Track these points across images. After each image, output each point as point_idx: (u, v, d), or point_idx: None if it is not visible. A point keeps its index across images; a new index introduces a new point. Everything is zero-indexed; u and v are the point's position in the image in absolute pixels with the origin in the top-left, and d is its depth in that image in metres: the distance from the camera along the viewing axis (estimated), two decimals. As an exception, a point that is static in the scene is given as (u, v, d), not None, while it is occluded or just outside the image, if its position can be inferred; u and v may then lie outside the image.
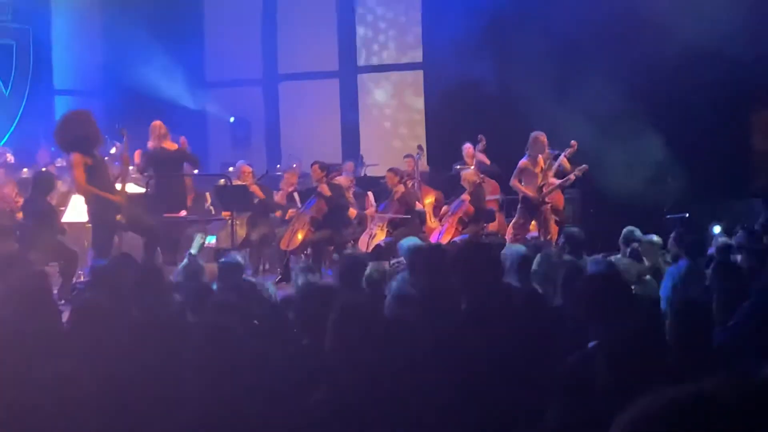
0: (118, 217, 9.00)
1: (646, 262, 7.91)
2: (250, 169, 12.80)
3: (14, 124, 17.15)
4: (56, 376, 3.33)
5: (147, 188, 11.31)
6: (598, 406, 3.13)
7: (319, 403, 3.63)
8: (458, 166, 13.17)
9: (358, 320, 3.86)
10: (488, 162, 13.08)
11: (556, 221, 11.30)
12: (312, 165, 12.06)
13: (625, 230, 8.50)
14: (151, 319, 3.96)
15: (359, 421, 3.54)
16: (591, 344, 4.06)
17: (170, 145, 10.93)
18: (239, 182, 12.14)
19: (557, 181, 11.16)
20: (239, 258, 6.96)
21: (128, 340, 3.82)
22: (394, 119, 17.76)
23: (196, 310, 4.94)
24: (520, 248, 6.57)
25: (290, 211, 12.03)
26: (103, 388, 3.41)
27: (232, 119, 18.33)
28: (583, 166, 11.17)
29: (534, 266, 5.90)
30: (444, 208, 12.42)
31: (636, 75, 13.24)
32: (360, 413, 3.55)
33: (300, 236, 11.48)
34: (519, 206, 11.19)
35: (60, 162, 13.80)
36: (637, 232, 8.41)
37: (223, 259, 7.22)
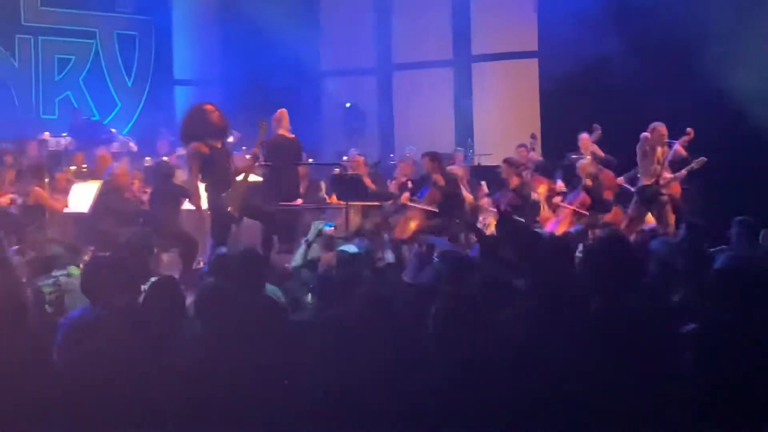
0: (230, 208, 9.12)
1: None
2: (363, 159, 12.91)
3: (136, 114, 17.63)
4: (186, 363, 3.43)
5: (264, 176, 11.47)
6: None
7: (418, 388, 3.63)
8: (573, 156, 13.03)
9: (462, 311, 3.83)
10: (602, 153, 12.91)
11: (674, 211, 11.09)
12: (422, 157, 12.09)
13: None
14: (273, 306, 4.03)
15: (459, 410, 3.53)
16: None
17: (287, 134, 11.02)
18: (353, 171, 12.23)
19: (672, 175, 10.95)
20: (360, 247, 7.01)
21: (251, 328, 3.90)
22: (507, 108, 17.63)
23: (321, 298, 5.03)
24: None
25: (404, 195, 12.06)
26: (229, 375, 3.49)
27: (348, 104, 18.47)
28: (701, 158, 10.93)
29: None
30: (556, 198, 12.31)
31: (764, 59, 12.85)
32: (457, 403, 3.54)
33: (413, 225, 11.51)
34: (634, 198, 11.02)
35: (180, 151, 14.12)
36: None
37: (340, 248, 7.30)
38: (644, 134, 10.88)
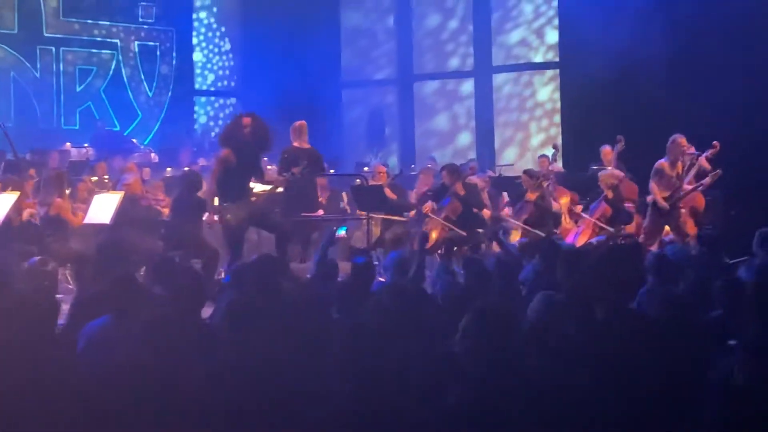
0: (228, 217, 9.18)
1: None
2: (385, 169, 12.91)
3: (157, 125, 17.69)
4: (211, 373, 3.42)
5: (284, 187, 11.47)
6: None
7: (454, 406, 3.60)
8: (595, 167, 12.96)
9: (493, 323, 3.80)
10: (623, 170, 12.74)
11: (696, 223, 11.00)
12: (441, 170, 12.07)
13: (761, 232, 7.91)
14: (295, 315, 4.02)
15: (495, 426, 3.50)
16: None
17: (304, 145, 11.03)
18: (374, 182, 12.22)
19: (690, 187, 10.85)
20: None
21: (275, 337, 3.89)
22: (529, 119, 17.63)
23: (341, 307, 5.03)
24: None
25: (427, 205, 12.02)
26: (254, 383, 3.48)
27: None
28: (717, 171, 10.80)
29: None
30: (577, 207, 12.26)
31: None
32: (495, 417, 3.51)
33: (434, 236, 11.48)
34: (649, 211, 10.91)
35: (202, 161, 14.16)
36: None
37: (355, 259, 7.30)
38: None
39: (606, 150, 12.98)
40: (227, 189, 9.26)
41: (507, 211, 12.52)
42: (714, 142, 11.08)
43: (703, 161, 11.06)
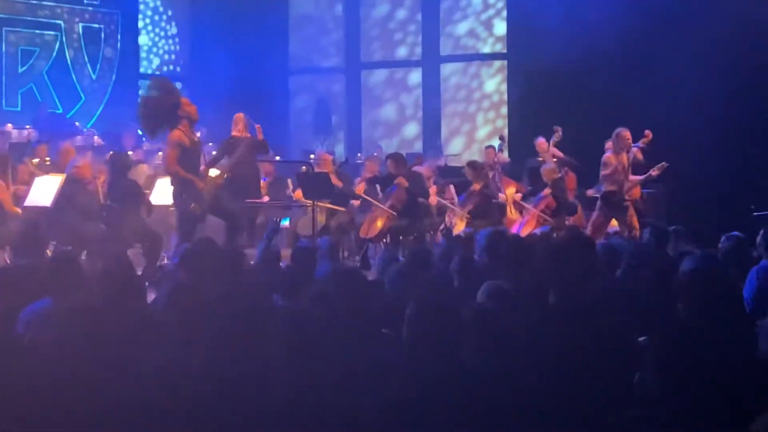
0: (193, 206, 9.09)
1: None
2: (330, 157, 12.89)
3: (101, 108, 17.46)
4: (157, 364, 3.37)
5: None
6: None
7: (394, 400, 3.58)
8: (539, 159, 13.05)
9: (435, 314, 3.78)
10: (561, 155, 12.92)
11: (635, 214, 11.12)
12: (386, 158, 12.09)
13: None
14: (236, 302, 3.97)
15: (436, 422, 3.48)
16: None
17: (242, 134, 11.10)
18: (320, 170, 12.19)
19: (637, 178, 10.95)
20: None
21: (217, 324, 3.84)
22: (476, 109, 17.69)
23: (287, 294, 5.01)
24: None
25: (360, 186, 12.02)
26: (201, 375, 3.44)
27: None
28: (662, 163, 10.90)
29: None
30: (517, 196, 12.35)
31: (729, 67, 12.93)
32: (436, 413, 3.49)
33: (379, 224, 11.49)
34: (598, 204, 10.98)
35: (147, 146, 14.02)
36: None
37: (298, 244, 7.28)
38: (609, 142, 10.88)
39: (540, 142, 13.10)
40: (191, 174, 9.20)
41: (452, 200, 12.56)
42: (646, 131, 11.17)
43: (636, 152, 11.14)
